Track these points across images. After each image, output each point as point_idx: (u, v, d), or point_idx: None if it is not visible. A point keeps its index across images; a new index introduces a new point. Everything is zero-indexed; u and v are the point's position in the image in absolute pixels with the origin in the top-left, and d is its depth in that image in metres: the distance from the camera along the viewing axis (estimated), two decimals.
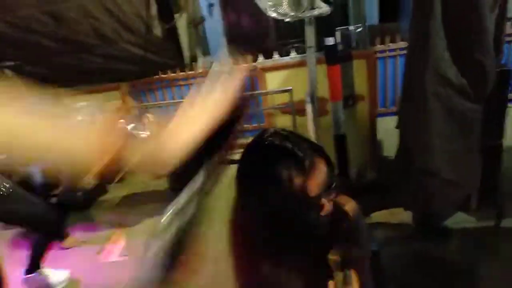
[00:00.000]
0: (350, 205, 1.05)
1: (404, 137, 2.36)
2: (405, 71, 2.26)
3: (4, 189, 2.00)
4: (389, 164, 2.95)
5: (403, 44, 3.06)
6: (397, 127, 2.42)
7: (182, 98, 3.61)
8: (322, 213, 0.91)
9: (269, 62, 3.41)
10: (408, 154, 2.30)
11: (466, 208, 2.26)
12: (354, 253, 1.04)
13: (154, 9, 3.12)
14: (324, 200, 0.91)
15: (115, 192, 3.47)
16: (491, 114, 2.09)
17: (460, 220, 2.29)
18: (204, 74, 3.47)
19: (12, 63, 2.92)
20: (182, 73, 3.56)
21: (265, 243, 0.97)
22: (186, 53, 3.81)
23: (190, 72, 3.55)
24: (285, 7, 1.98)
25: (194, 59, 3.79)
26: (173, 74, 3.57)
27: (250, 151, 0.96)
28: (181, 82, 3.60)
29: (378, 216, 2.53)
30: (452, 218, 2.29)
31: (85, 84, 3.53)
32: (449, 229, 2.27)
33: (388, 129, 3.12)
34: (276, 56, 3.44)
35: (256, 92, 3.39)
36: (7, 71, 2.91)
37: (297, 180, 0.87)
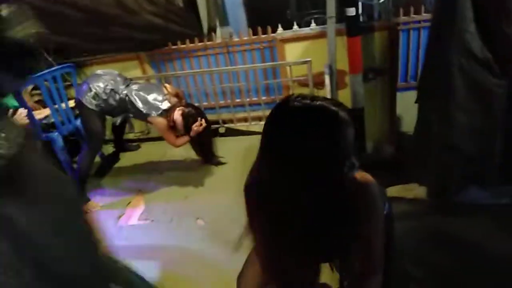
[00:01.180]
0: (369, 180, 1.06)
1: (425, 111, 2.33)
2: (429, 43, 2.21)
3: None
4: (407, 139, 2.92)
5: (427, 15, 2.96)
6: (416, 101, 2.38)
7: (200, 68, 3.62)
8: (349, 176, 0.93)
9: (288, 33, 3.36)
10: (428, 128, 2.27)
11: (484, 183, 2.24)
12: (366, 229, 1.05)
13: None
14: (354, 161, 0.93)
15: (131, 160, 3.56)
16: None
17: (477, 196, 2.27)
18: (222, 45, 3.47)
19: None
20: (200, 43, 3.55)
21: (278, 206, 0.99)
22: (205, 24, 3.78)
23: (208, 43, 3.54)
24: None
25: (212, 29, 3.77)
26: (191, 45, 3.56)
27: (278, 114, 0.96)
28: (200, 53, 3.59)
29: (393, 191, 2.53)
30: (468, 194, 2.27)
31: (107, 53, 3.57)
32: (465, 205, 2.27)
33: (408, 104, 3.07)
34: (295, 27, 3.38)
35: (275, 63, 3.36)
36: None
37: (330, 136, 0.89)
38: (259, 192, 1.02)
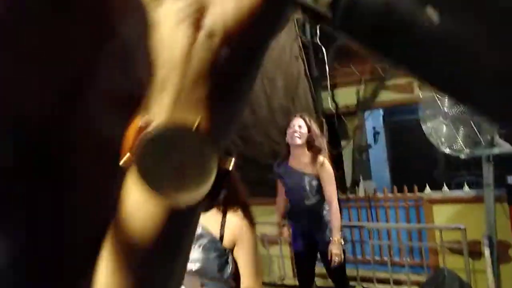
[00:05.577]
0: None
1: None
2: None
3: None
4: None
5: None
6: None
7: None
8: None
9: (437, 194, 3.22)
10: None
11: None
12: None
13: (325, 136, 3.46)
14: None
15: None
16: None
17: None
18: (365, 199, 3.51)
19: None
20: (342, 195, 3.66)
21: None
22: (348, 177, 3.96)
23: (350, 196, 3.63)
24: (460, 144, 1.96)
25: (355, 183, 3.89)
26: None
27: None
28: (342, 205, 3.67)
29: None
30: None
31: (259, 197, 3.96)
32: None
33: None
34: (445, 188, 3.25)
35: (422, 225, 3.17)
36: None
37: None
38: None
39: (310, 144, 2.47)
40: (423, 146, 4.78)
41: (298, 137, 2.42)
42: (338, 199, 3.63)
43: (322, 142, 2.52)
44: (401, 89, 3.83)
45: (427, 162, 4.98)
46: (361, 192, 3.69)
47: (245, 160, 3.69)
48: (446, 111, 1.97)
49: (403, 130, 5.35)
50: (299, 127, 2.45)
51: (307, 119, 2.51)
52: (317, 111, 3.37)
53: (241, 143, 3.60)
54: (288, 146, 2.52)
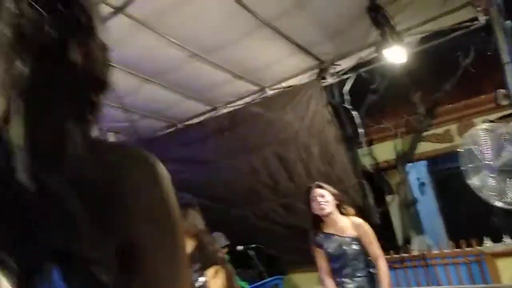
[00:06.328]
0: None
1: None
2: None
3: None
4: None
5: None
6: None
7: (397, 282, 3.44)
8: None
9: (499, 247, 3.01)
10: None
11: None
12: None
13: (371, 198, 3.39)
14: None
15: None
16: None
17: None
18: (420, 257, 3.31)
19: (254, 245, 3.58)
20: (396, 255, 3.49)
21: None
22: (399, 235, 3.81)
23: (404, 255, 3.45)
24: (511, 196, 1.88)
25: (407, 240, 3.72)
26: (387, 257, 3.53)
27: None
28: (396, 265, 3.49)
29: None
30: None
31: (307, 264, 3.87)
32: None
33: None
34: (508, 240, 3.03)
35: (488, 286, 2.93)
36: (250, 252, 3.55)
37: None
38: None
39: (340, 208, 2.43)
40: (475, 193, 4.53)
41: (325, 206, 2.38)
42: (392, 260, 3.46)
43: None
44: (440, 138, 3.78)
45: (482, 210, 4.68)
46: (414, 249, 3.51)
47: (290, 228, 3.66)
48: (489, 163, 1.93)
49: (451, 178, 5.11)
50: (321, 197, 2.42)
51: (324, 186, 2.49)
52: (355, 170, 3.36)
53: (283, 212, 3.60)
54: (316, 216, 2.48)
